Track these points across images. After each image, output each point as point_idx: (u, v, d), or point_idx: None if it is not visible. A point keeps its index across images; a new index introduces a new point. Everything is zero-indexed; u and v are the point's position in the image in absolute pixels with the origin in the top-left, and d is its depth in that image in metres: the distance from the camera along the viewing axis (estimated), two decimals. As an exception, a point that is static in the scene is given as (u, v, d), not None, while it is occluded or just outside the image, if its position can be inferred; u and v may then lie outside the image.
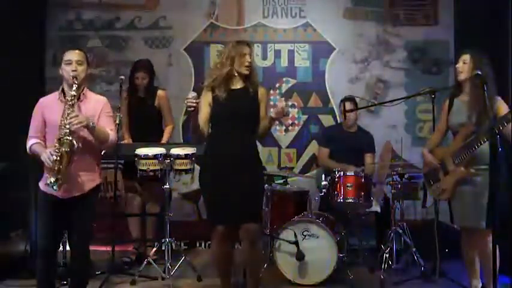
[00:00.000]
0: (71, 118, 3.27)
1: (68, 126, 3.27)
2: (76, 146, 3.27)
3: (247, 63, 3.61)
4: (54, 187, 3.24)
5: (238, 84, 3.65)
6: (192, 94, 3.51)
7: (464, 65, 3.69)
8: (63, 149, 3.24)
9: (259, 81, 3.74)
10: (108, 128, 3.53)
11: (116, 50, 5.89)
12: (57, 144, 3.26)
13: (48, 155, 3.26)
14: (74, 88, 3.38)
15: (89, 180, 3.47)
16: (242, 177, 3.52)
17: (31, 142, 3.44)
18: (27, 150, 3.45)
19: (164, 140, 4.93)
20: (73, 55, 3.47)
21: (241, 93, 3.62)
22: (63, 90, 3.48)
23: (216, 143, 3.62)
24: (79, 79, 3.42)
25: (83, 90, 3.47)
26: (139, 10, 5.90)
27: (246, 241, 3.61)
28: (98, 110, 3.52)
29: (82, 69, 3.47)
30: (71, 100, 3.34)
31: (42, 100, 3.53)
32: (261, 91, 3.70)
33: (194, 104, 3.48)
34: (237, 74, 3.63)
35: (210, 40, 5.84)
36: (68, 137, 3.25)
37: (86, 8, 5.90)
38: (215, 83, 3.63)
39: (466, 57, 3.69)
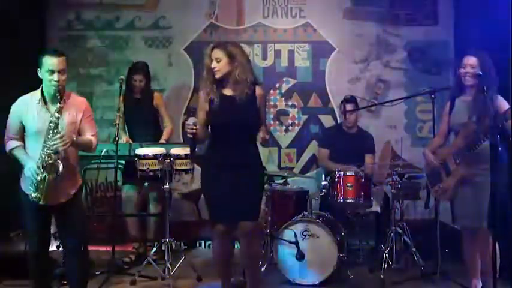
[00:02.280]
0: (54, 141, 3.25)
1: (52, 148, 3.26)
2: (61, 170, 3.27)
3: (214, 69, 3.52)
4: (40, 202, 3.29)
5: (228, 91, 3.58)
6: (193, 120, 3.49)
7: (473, 70, 3.63)
8: (50, 173, 3.26)
9: (252, 83, 3.57)
10: (90, 133, 3.52)
11: (116, 50, 5.88)
12: (43, 164, 3.26)
13: (32, 173, 3.26)
14: (57, 108, 3.32)
15: (72, 185, 3.48)
16: (241, 177, 3.52)
17: (12, 145, 3.38)
18: (7, 151, 3.40)
19: (163, 139, 4.94)
20: (56, 63, 3.32)
21: (230, 101, 3.54)
22: (43, 94, 3.40)
23: (215, 148, 3.62)
24: (62, 90, 3.36)
25: (63, 96, 3.39)
26: (139, 10, 5.89)
27: (243, 240, 3.63)
28: (80, 113, 3.48)
29: (64, 78, 3.38)
30: (54, 122, 3.29)
31: (21, 101, 3.44)
32: (258, 94, 3.60)
33: (194, 131, 3.47)
34: (224, 81, 3.55)
35: (210, 40, 5.79)
36: (52, 159, 3.25)
37: (86, 8, 5.90)
38: (205, 88, 3.60)
39: (473, 61, 3.65)
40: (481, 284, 3.80)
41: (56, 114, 3.32)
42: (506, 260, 3.72)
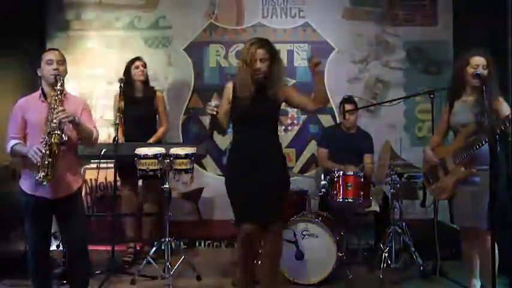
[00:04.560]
0: (57, 112, 3.28)
1: (55, 121, 3.27)
2: (64, 138, 3.28)
3: (257, 69, 3.51)
4: (44, 182, 3.25)
5: (259, 86, 3.59)
6: (215, 103, 3.49)
7: (483, 71, 3.60)
8: (53, 141, 3.25)
9: (282, 83, 3.65)
10: (90, 125, 3.55)
11: (116, 50, 5.89)
12: (46, 138, 3.26)
13: (35, 150, 3.24)
14: (59, 83, 3.38)
15: (73, 180, 3.49)
16: (268, 178, 3.53)
17: (12, 143, 3.40)
18: (8, 151, 3.41)
19: (153, 138, 4.93)
20: (54, 55, 3.48)
21: (261, 97, 3.57)
22: (43, 91, 3.47)
23: (240, 146, 3.64)
24: (62, 77, 3.43)
25: (63, 90, 3.44)
26: (139, 10, 5.90)
27: (270, 240, 3.64)
28: (79, 109, 3.53)
29: (63, 68, 3.49)
30: (57, 95, 3.35)
31: (21, 101, 3.51)
32: (283, 90, 3.64)
33: (214, 113, 3.47)
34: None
35: (210, 40, 5.84)
36: (56, 131, 3.26)
37: (86, 8, 5.91)
38: (238, 84, 3.60)
39: (484, 62, 3.62)
40: (480, 284, 3.81)
41: (58, 87, 3.37)
42: (505, 260, 3.74)
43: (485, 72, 3.60)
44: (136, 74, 4.98)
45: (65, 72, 3.52)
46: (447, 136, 3.96)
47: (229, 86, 3.69)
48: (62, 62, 3.50)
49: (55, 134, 3.26)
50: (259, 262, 3.82)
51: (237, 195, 3.62)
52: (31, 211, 3.41)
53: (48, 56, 3.48)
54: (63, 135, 3.28)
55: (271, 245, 3.67)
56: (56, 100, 3.35)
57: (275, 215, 3.58)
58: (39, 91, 3.49)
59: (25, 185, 3.42)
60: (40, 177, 3.24)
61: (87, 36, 5.90)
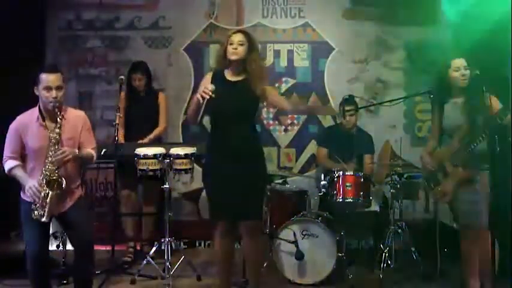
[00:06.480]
0: (56, 156, 3.26)
1: (55, 164, 3.26)
2: (64, 185, 3.28)
3: (234, 50, 3.54)
4: (42, 219, 3.25)
5: (239, 76, 3.61)
6: (212, 87, 3.45)
7: (466, 71, 3.66)
8: (53, 192, 3.25)
9: (264, 78, 3.67)
10: (89, 146, 3.54)
11: (116, 50, 5.89)
12: (44, 185, 3.25)
13: (34, 191, 3.24)
14: (58, 124, 3.32)
15: (71, 198, 3.46)
16: (243, 175, 3.52)
17: (11, 164, 3.38)
18: (6, 171, 3.40)
19: (150, 137, 4.92)
20: (52, 80, 3.34)
21: (239, 87, 3.58)
22: (41, 112, 3.42)
23: (218, 142, 3.61)
24: (60, 107, 3.37)
25: (61, 111, 3.38)
26: (139, 10, 5.90)
27: (245, 238, 3.64)
28: (79, 127, 3.50)
29: (62, 94, 3.39)
30: (55, 138, 3.30)
31: (20, 120, 3.44)
32: (268, 89, 3.69)
33: (207, 96, 3.42)
34: (235, 66, 3.59)
35: (210, 40, 5.84)
36: (55, 175, 3.26)
37: (86, 8, 5.90)
38: (215, 72, 3.64)
39: (464, 62, 3.67)
40: (479, 284, 3.81)
41: (57, 130, 3.32)
42: (505, 260, 3.74)
43: (467, 72, 3.64)
44: (137, 85, 4.98)
45: (64, 95, 3.42)
46: (442, 139, 3.96)
47: (208, 77, 3.67)
48: (61, 86, 3.38)
49: (55, 179, 3.25)
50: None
51: (212, 193, 3.63)
52: (31, 218, 3.35)
53: (47, 81, 3.34)
54: (63, 183, 3.27)
55: (245, 246, 3.67)
56: (54, 143, 3.29)
57: (247, 212, 3.55)
58: (37, 112, 3.42)
59: (25, 194, 3.39)
60: (38, 215, 3.26)
61: (87, 36, 5.90)
